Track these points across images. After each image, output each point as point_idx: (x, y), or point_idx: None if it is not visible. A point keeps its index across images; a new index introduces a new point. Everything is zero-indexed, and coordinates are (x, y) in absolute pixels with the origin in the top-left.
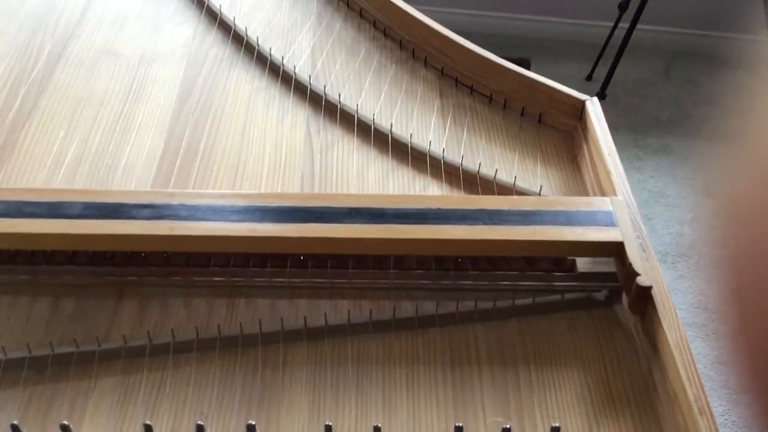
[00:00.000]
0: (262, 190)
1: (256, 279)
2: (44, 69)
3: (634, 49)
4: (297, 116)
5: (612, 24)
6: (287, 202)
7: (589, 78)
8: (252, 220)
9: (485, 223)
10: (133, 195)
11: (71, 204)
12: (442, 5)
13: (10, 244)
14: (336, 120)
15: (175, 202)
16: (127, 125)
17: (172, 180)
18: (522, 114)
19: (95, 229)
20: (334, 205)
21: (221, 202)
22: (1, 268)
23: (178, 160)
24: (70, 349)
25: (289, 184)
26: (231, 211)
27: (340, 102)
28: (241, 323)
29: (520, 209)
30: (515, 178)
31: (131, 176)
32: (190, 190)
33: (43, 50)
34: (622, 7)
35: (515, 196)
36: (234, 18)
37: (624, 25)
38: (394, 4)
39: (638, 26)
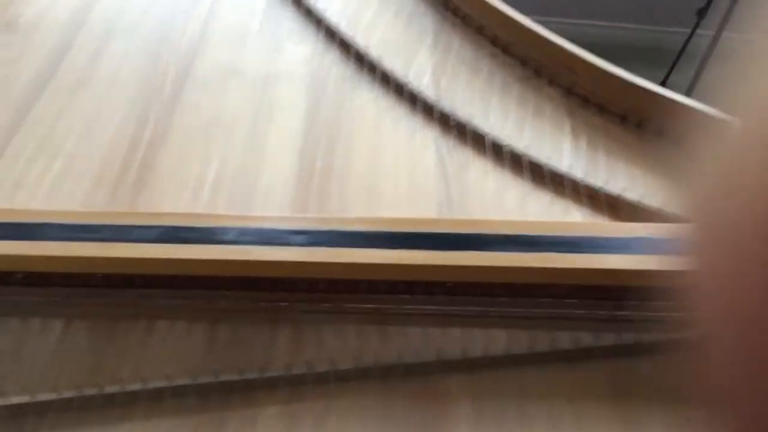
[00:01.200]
0: (401, 214)
1: (406, 306)
2: (172, 88)
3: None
4: (426, 137)
5: (689, 30)
6: (440, 228)
7: (662, 85)
8: (406, 247)
9: (645, 253)
10: (287, 221)
11: (225, 230)
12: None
13: (171, 269)
14: (466, 141)
15: (326, 227)
16: (260, 146)
17: (313, 203)
18: (660, 135)
19: (252, 256)
20: (487, 232)
21: (373, 228)
22: (160, 292)
23: (315, 183)
24: (234, 376)
25: (426, 207)
26: (386, 238)
27: (469, 122)
28: (395, 352)
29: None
30: (662, 203)
31: (271, 198)
32: (344, 216)
33: (168, 69)
34: (701, 14)
35: (674, 224)
36: (354, 36)
37: (702, 32)
38: (514, 20)
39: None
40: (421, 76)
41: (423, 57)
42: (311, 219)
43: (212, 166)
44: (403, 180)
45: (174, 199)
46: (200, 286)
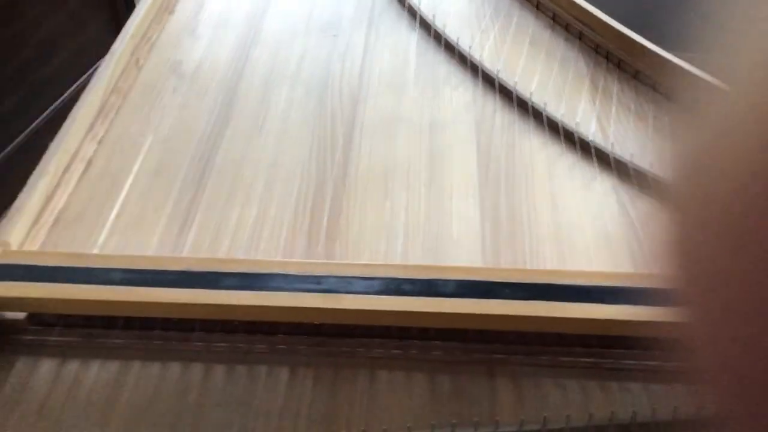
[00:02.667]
0: (596, 266)
1: (623, 361)
2: (343, 135)
3: None
4: (604, 184)
5: None
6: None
7: None
8: (631, 303)
9: None
10: (495, 273)
11: (445, 282)
12: None
13: (393, 320)
14: (649, 191)
15: (541, 280)
16: (441, 193)
17: (505, 253)
18: None
19: (472, 309)
20: None
21: (589, 282)
22: (377, 342)
23: (502, 232)
24: (468, 429)
25: (621, 260)
26: (606, 292)
27: (649, 171)
28: (612, 411)
29: None
30: None
31: (463, 248)
32: (558, 269)
33: (335, 116)
34: None
35: None
36: (515, 84)
37: None
38: (674, 63)
39: None
40: (588, 122)
41: (585, 102)
42: (525, 272)
43: (399, 214)
44: (590, 229)
45: (371, 248)
46: (417, 336)
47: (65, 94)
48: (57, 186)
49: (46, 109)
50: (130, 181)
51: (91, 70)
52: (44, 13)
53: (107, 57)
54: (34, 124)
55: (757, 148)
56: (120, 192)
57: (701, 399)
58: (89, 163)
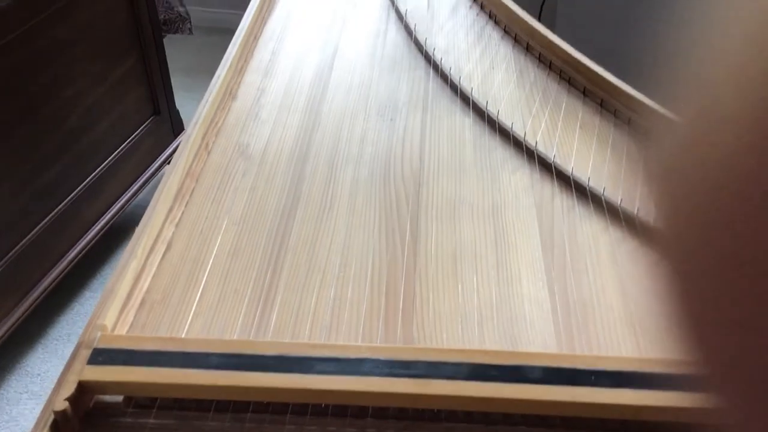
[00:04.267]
0: (668, 354)
1: None
2: (410, 218)
3: None
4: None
5: None
6: None
7: None
8: None
9: None
10: (579, 359)
11: (531, 368)
12: None
13: (483, 406)
14: None
15: (625, 368)
16: (509, 276)
17: (579, 338)
18: None
19: (559, 396)
20: None
21: (658, 369)
22: (462, 426)
23: (574, 317)
24: None
25: None
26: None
27: None
28: None
29: None
30: None
31: (536, 333)
32: (650, 357)
33: (400, 198)
34: None
35: None
36: (572, 170)
37: None
38: None
39: None
40: (647, 208)
41: (642, 186)
42: (608, 359)
43: (471, 297)
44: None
45: (448, 332)
46: (502, 421)
47: (105, 162)
48: (142, 269)
49: (88, 176)
50: (210, 263)
51: (129, 140)
52: (87, 87)
53: (182, 143)
54: (76, 191)
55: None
56: (201, 274)
57: None
58: (169, 245)
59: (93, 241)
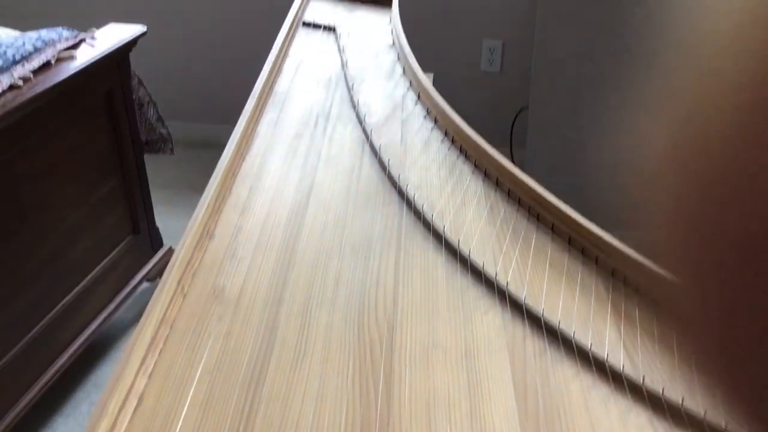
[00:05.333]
0: None
1: None
2: (383, 365)
3: None
4: (639, 418)
5: None
6: None
7: None
8: None
9: None
10: None
11: None
12: None
13: None
14: (683, 425)
15: None
16: (481, 427)
17: None
18: None
19: None
20: None
21: None
22: None
23: None
24: None
25: None
26: None
27: (682, 405)
28: None
29: None
30: None
31: None
32: None
33: (373, 342)
34: None
35: None
36: (543, 311)
37: None
38: None
39: None
40: (616, 350)
41: (611, 329)
42: None
43: None
44: None
45: None
46: None
47: (83, 283)
48: (113, 426)
49: (65, 297)
50: (182, 417)
51: (107, 260)
52: (67, 210)
53: (157, 289)
54: (52, 313)
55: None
56: (173, 430)
57: None
58: (141, 399)
59: (68, 364)
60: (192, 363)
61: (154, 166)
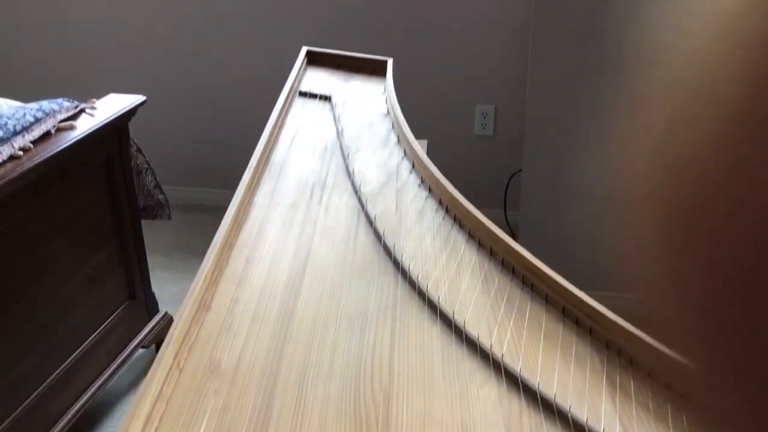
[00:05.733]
0: None
1: None
2: None
3: None
4: None
5: None
6: None
7: None
8: None
9: None
10: None
11: None
12: None
13: None
14: None
15: None
16: None
17: None
18: None
19: None
20: None
21: None
22: None
23: None
24: None
25: None
26: None
27: None
28: None
29: None
30: None
31: None
32: None
33: (370, 418)
34: None
35: None
36: (538, 384)
37: None
38: None
39: None
40: (611, 424)
41: (606, 401)
42: None
43: None
44: None
45: None
46: None
47: (78, 350)
48: None
49: (61, 365)
50: None
51: (103, 327)
52: (64, 278)
53: (153, 364)
54: (47, 382)
55: None
56: None
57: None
58: None
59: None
60: None
61: (151, 230)
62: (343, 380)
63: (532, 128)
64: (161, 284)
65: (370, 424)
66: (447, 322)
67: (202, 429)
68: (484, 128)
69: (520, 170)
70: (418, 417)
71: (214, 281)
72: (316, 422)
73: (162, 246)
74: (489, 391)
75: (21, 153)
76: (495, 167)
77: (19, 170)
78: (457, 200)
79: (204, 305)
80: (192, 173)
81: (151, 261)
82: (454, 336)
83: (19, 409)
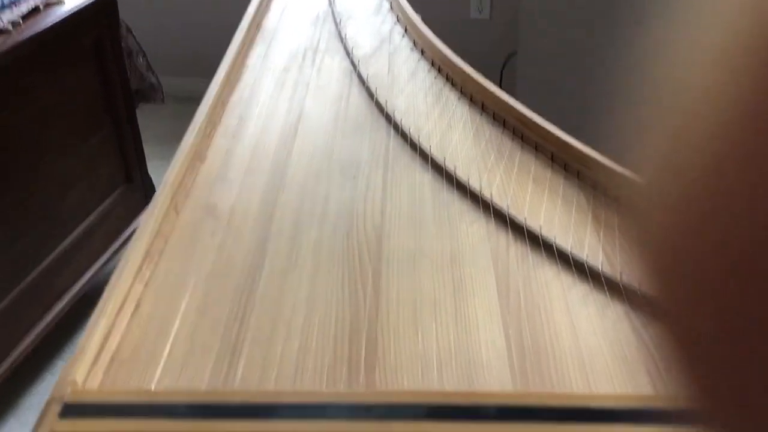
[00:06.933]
0: (617, 389)
1: None
2: (372, 271)
3: None
4: (616, 310)
5: None
6: None
7: None
8: (654, 423)
9: None
10: (531, 398)
11: (487, 407)
12: None
13: None
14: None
15: (574, 404)
16: (467, 323)
17: (534, 378)
18: None
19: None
20: None
21: (605, 405)
22: None
23: (529, 359)
24: None
25: (640, 381)
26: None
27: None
28: None
29: None
30: None
31: (492, 374)
32: (596, 393)
33: (362, 252)
34: None
35: None
36: (525, 220)
37: None
38: None
39: None
40: (595, 253)
41: (591, 235)
42: (559, 396)
43: (431, 344)
44: (608, 353)
45: (409, 376)
46: None
47: (76, 231)
48: (112, 327)
49: (59, 246)
50: (178, 320)
51: (100, 209)
52: (59, 159)
53: (150, 205)
54: (46, 261)
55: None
56: (170, 331)
57: None
58: (138, 304)
59: (64, 311)
60: (186, 272)
61: (147, 119)
62: (336, 223)
63: (527, 9)
64: (159, 174)
65: (363, 258)
66: (438, 169)
67: (201, 263)
68: (480, 12)
69: (516, 52)
70: (408, 252)
71: (208, 135)
72: (310, 259)
73: (158, 135)
74: (478, 228)
75: (10, 27)
76: (491, 51)
77: (10, 43)
78: (449, 59)
79: (198, 156)
80: (184, 63)
81: (148, 151)
82: (445, 181)
83: (21, 285)
